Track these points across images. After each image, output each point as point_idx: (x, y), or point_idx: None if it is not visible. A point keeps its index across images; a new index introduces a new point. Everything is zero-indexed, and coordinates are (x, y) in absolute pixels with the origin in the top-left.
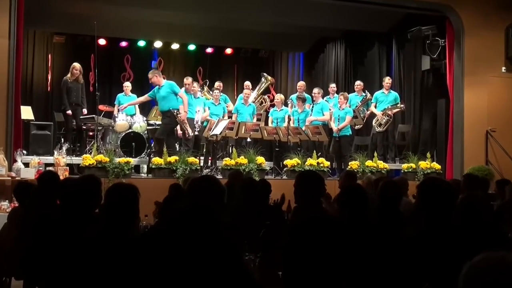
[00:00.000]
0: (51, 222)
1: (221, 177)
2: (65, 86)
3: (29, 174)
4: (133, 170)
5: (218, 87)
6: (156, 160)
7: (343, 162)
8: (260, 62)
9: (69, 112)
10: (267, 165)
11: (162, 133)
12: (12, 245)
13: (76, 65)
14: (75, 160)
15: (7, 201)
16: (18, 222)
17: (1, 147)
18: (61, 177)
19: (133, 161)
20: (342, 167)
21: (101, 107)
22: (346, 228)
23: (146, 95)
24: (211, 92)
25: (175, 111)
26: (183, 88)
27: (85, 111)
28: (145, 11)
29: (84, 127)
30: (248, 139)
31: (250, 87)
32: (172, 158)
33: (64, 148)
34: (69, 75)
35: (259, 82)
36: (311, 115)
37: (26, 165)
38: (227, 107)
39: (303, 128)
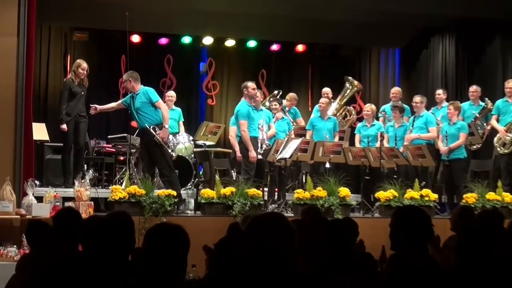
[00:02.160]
0: (71, 272)
1: (292, 214)
2: (67, 90)
3: (43, 211)
4: (176, 206)
5: (282, 97)
6: (207, 192)
7: (455, 195)
8: (342, 62)
9: (64, 127)
10: (353, 198)
11: (144, 160)
12: None
13: (82, 63)
14: (102, 193)
15: (15, 246)
16: (30, 273)
17: (8, 176)
18: (84, 215)
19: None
20: (455, 201)
21: (134, 123)
22: (464, 283)
23: (119, 101)
24: (276, 103)
25: (153, 127)
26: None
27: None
28: None
29: (113, 150)
30: (328, 165)
31: (330, 95)
32: (228, 190)
33: (87, 178)
34: (71, 75)
35: (341, 89)
36: (411, 131)
37: (40, 199)
38: (296, 123)
39: (401, 149)
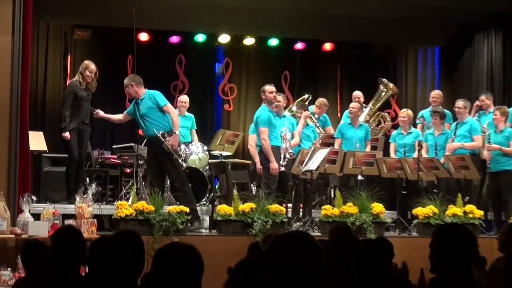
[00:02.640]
0: None
1: (319, 233)
2: (71, 94)
3: (41, 230)
4: (190, 224)
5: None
6: (223, 208)
7: (503, 211)
8: (374, 62)
9: (67, 135)
10: (387, 215)
11: (153, 172)
12: None
13: (91, 64)
14: (106, 209)
15: (9, 269)
16: None
17: (1, 191)
18: (86, 234)
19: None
20: (503, 219)
21: (142, 132)
22: None
23: (125, 112)
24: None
25: (162, 133)
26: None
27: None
28: None
29: (119, 161)
30: (360, 177)
31: (362, 99)
32: (247, 206)
33: (90, 193)
34: (78, 77)
35: (374, 92)
36: (453, 140)
37: (37, 217)
38: (325, 132)
39: (442, 160)
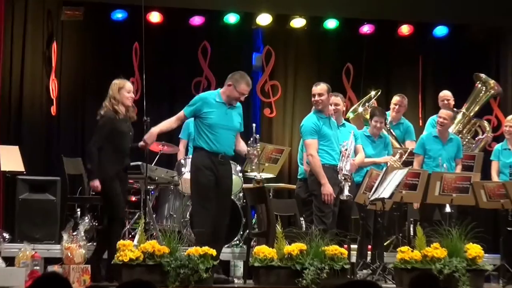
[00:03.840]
0: None
1: (394, 285)
2: (107, 126)
3: (15, 278)
4: (218, 271)
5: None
6: (263, 251)
7: None
8: (469, 51)
9: (97, 184)
10: (487, 261)
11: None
12: None
13: (125, 82)
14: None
15: None
16: None
17: None
18: (77, 285)
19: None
20: None
21: (156, 146)
22: None
23: (181, 114)
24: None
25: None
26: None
27: None
28: None
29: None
30: (448, 208)
31: (452, 101)
32: (295, 248)
33: (82, 229)
34: (109, 104)
35: (469, 93)
36: None
37: (10, 261)
38: (404, 146)
39: None
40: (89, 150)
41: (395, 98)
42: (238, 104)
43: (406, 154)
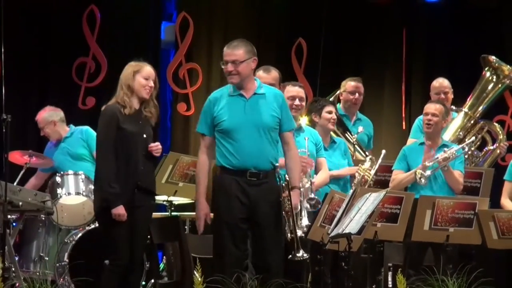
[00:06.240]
0: None
1: None
2: (114, 124)
3: None
4: None
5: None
6: None
7: None
8: (474, 23)
9: (122, 211)
10: None
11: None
12: None
13: (146, 68)
14: None
15: None
16: None
17: None
18: None
19: None
20: None
21: (14, 155)
22: None
23: None
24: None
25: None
26: None
27: None
28: None
29: None
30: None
31: (450, 94)
32: None
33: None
34: (122, 95)
35: (474, 82)
36: None
37: None
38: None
39: None
40: (99, 170)
41: (350, 83)
42: (269, 90)
43: (380, 161)
